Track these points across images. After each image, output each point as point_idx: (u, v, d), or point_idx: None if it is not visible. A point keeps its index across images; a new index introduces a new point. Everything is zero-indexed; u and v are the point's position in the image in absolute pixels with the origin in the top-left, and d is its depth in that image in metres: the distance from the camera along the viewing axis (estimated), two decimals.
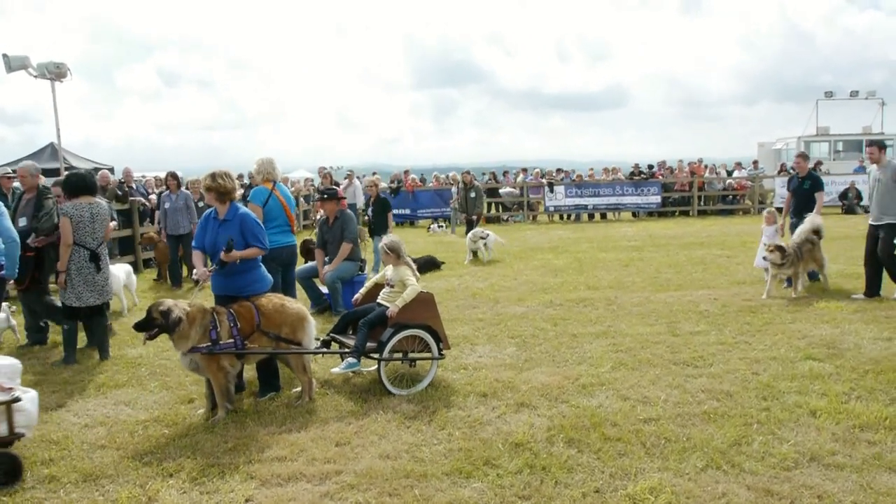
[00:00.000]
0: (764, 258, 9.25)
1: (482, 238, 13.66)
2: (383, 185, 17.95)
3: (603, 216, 24.61)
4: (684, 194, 24.33)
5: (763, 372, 5.97)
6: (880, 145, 8.91)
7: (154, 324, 5.11)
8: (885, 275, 8.75)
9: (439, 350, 5.89)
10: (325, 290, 8.98)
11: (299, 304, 5.80)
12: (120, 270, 9.16)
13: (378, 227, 11.54)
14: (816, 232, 9.42)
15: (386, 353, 5.65)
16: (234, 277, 5.62)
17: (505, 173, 25.82)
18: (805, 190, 9.92)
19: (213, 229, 5.73)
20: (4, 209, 5.82)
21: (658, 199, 23.92)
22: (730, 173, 25.55)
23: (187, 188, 12.67)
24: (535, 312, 8.69)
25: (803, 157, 10.40)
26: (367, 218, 12.35)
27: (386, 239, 6.23)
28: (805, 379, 5.74)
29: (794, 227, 9.84)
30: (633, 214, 24.40)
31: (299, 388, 5.67)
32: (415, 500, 3.91)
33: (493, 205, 24.63)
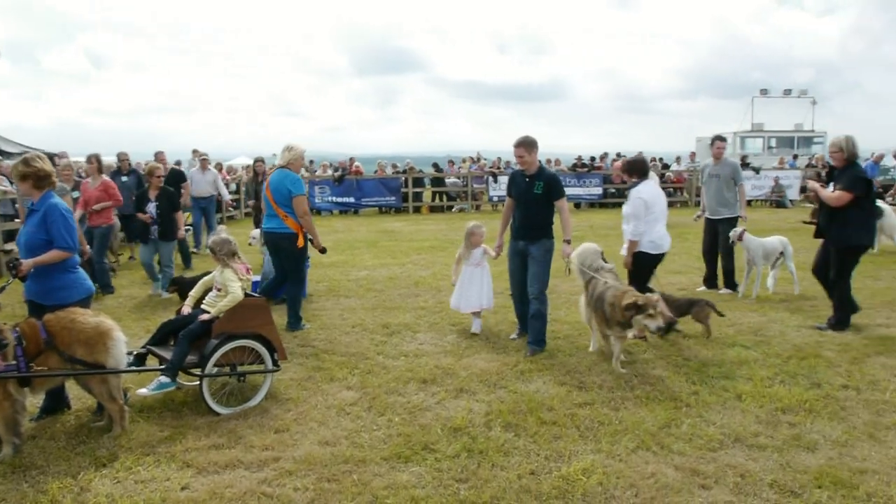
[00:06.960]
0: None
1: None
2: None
3: None
4: (623, 187, 24.85)
5: (694, 358, 6.19)
6: (722, 139, 9.40)
7: None
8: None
9: (274, 361, 5.30)
10: None
11: (101, 317, 4.72)
12: None
13: (166, 230, 9.34)
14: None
15: (209, 368, 4.98)
16: (36, 280, 4.77)
17: (450, 163, 25.86)
18: (536, 196, 6.37)
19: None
20: None
21: (600, 190, 24.35)
22: (666, 166, 26.18)
23: (142, 172, 11.73)
24: None
25: (527, 145, 6.34)
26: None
27: (211, 238, 5.60)
28: (733, 364, 5.99)
29: (516, 252, 6.65)
30: (576, 205, 24.79)
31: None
32: (353, 485, 3.94)
33: (438, 194, 24.69)
